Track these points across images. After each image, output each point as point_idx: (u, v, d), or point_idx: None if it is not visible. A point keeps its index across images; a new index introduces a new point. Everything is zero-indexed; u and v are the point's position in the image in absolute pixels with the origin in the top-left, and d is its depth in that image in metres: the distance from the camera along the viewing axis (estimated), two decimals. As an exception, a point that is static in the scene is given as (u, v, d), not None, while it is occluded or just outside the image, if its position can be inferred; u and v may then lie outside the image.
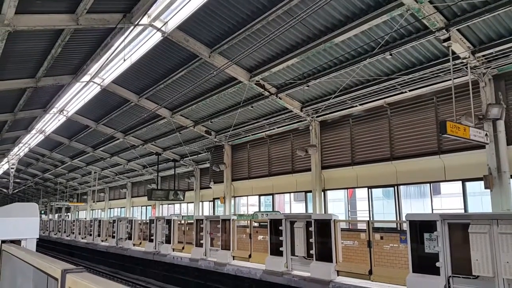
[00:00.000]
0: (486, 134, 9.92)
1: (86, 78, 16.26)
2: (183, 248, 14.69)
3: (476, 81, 11.19)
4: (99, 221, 23.09)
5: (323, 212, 15.59)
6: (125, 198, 35.42)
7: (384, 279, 7.93)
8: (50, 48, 12.49)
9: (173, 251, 14.99)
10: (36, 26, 10.45)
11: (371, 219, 13.86)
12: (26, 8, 9.87)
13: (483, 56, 10.63)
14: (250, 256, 11.51)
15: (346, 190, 16.05)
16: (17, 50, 12.39)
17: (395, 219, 13.54)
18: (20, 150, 31.47)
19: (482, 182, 10.96)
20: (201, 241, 13.13)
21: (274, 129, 18.23)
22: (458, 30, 9.90)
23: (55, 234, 31.05)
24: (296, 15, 10.48)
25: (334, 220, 8.96)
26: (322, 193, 16.15)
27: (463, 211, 11.78)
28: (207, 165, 23.76)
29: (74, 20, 10.77)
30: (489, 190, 10.81)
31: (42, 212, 53.35)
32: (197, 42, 12.82)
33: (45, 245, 29.74)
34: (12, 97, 17.10)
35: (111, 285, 1.39)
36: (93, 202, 39.15)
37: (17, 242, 4.11)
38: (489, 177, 10.75)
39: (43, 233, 33.02)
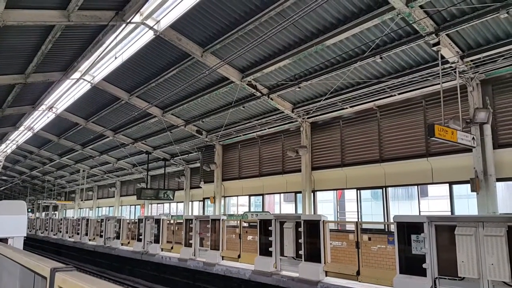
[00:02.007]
0: (473, 138, 10.09)
1: (76, 75, 16.08)
2: (172, 248, 14.58)
3: (464, 86, 11.39)
4: (87, 220, 22.78)
5: (313, 213, 15.68)
6: (113, 197, 35.07)
7: (372, 280, 7.99)
8: (41, 44, 12.34)
9: (162, 251, 14.87)
10: (27, 21, 10.31)
11: (360, 220, 14.00)
12: (17, 3, 9.76)
13: (471, 61, 10.83)
14: (239, 256, 11.49)
15: (335, 191, 16.16)
16: (6, 45, 12.21)
17: (383, 221, 13.68)
18: (7, 147, 30.93)
19: (468, 185, 11.15)
20: (190, 241, 13.04)
21: (265, 129, 18.27)
22: (447, 35, 10.08)
23: (42, 233, 30.56)
24: (288, 16, 10.53)
25: (323, 221, 9.02)
26: (312, 194, 16.24)
27: (449, 213, 11.97)
28: (198, 164, 23.69)
29: (66, 17, 10.66)
30: (475, 193, 11.01)
31: (29, 210, 52.49)
32: (190, 41, 12.80)
33: (32, 244, 29.25)
34: (0, 93, 16.83)
35: (101, 284, 1.38)
36: (81, 200, 38.64)
37: (4, 240, 4.01)
38: (475, 180, 10.95)
39: (30, 231, 32.40)
